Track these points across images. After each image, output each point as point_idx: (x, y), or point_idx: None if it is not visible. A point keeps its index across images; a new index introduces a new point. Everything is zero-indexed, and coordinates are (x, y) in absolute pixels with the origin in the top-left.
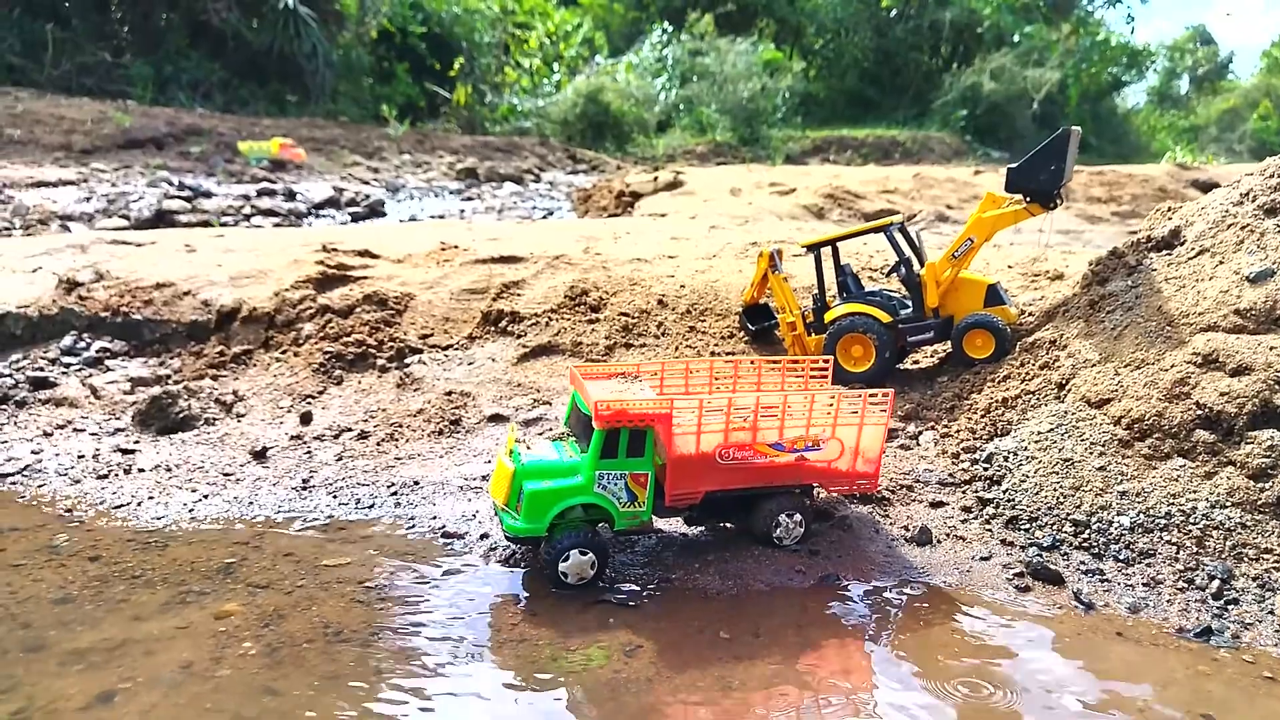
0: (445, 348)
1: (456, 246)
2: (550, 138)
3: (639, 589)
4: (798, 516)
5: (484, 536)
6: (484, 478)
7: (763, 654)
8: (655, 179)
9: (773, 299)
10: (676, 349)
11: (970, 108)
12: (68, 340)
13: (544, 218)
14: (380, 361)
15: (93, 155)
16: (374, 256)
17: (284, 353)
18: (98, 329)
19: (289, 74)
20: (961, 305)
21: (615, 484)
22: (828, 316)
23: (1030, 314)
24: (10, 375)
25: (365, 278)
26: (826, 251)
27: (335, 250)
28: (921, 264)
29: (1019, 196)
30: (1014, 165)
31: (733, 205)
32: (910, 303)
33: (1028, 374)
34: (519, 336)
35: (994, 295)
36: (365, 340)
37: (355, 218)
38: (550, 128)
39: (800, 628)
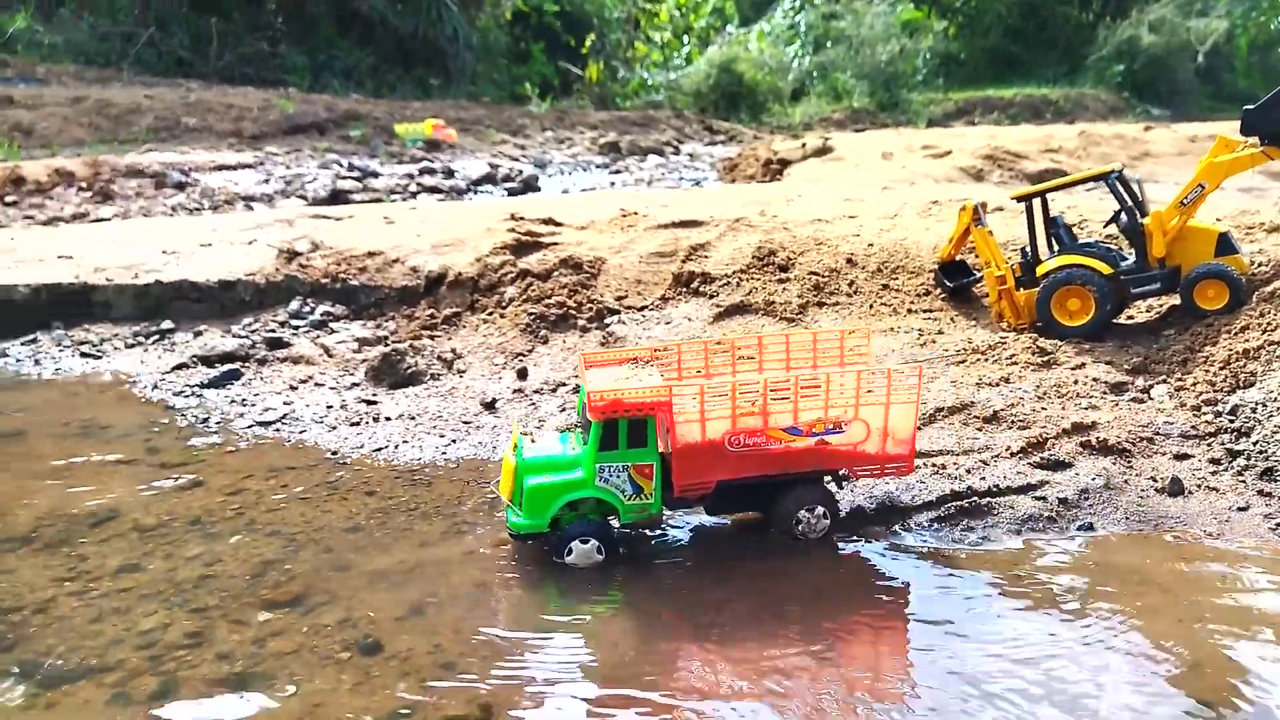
0: (640, 308)
1: (636, 213)
2: (684, 110)
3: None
4: (819, 510)
5: None
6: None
7: (1047, 604)
8: (804, 145)
9: (976, 255)
10: (870, 307)
11: (1127, 62)
12: (294, 305)
13: (693, 186)
14: (581, 322)
15: (262, 140)
16: (558, 224)
17: (490, 315)
18: (319, 294)
19: (432, 58)
20: (1190, 255)
21: (618, 477)
22: (1040, 270)
23: (1262, 265)
24: (248, 337)
25: (556, 244)
26: (1037, 205)
27: (523, 219)
28: (1143, 214)
29: (1254, 140)
30: (1250, 106)
31: (886, 170)
32: (1133, 253)
33: (1270, 324)
34: (711, 297)
35: (1225, 244)
36: (565, 302)
37: (511, 193)
38: (683, 100)
39: (1060, 574)
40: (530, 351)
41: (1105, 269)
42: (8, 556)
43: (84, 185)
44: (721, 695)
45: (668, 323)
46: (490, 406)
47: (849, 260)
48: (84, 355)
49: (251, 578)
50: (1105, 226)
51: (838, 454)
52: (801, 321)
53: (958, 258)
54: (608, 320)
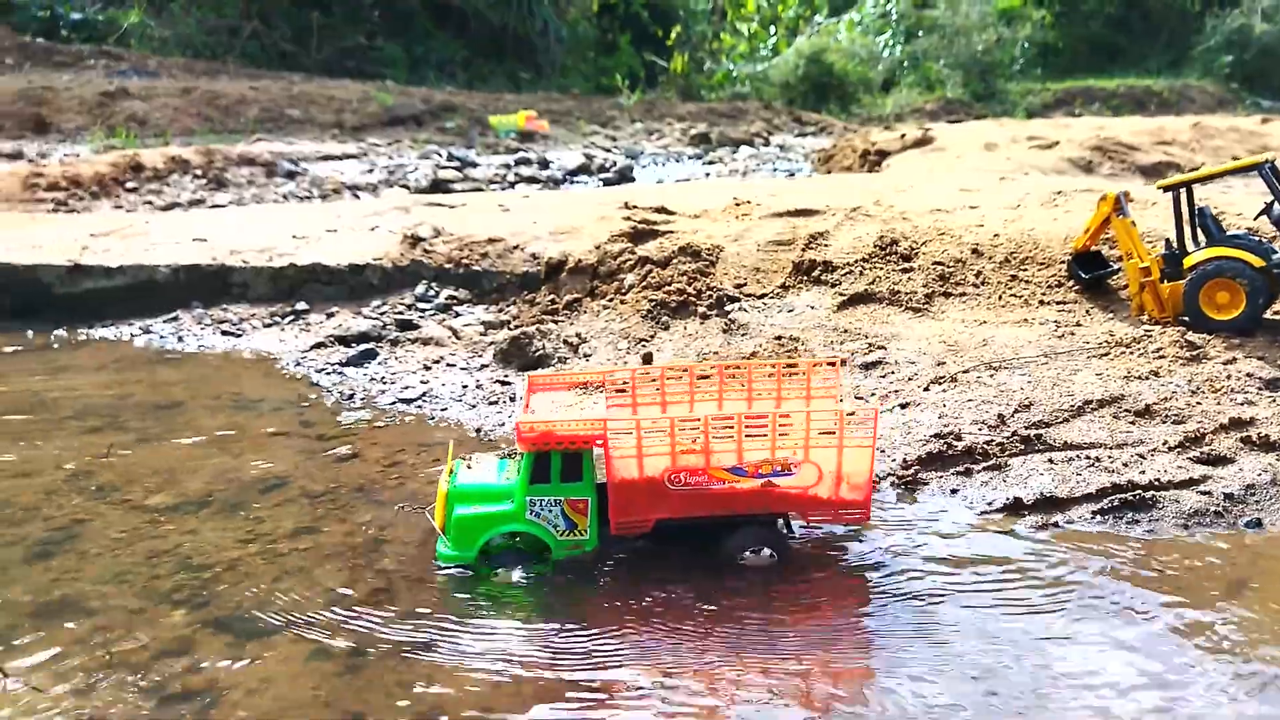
0: (760, 296)
1: (748, 201)
2: (772, 102)
3: None
4: (765, 552)
5: None
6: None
7: (1232, 595)
8: (902, 136)
9: (1113, 246)
10: (999, 298)
11: (1237, 53)
12: (420, 289)
13: (788, 177)
14: (701, 309)
15: (362, 131)
16: (671, 213)
17: (610, 301)
18: (443, 279)
19: (522, 51)
20: None
21: (550, 510)
22: (1188, 262)
23: None
24: (379, 319)
25: (671, 232)
26: (1183, 196)
27: (636, 208)
28: None
29: None
30: None
31: (989, 161)
32: None
33: None
34: (834, 285)
35: None
36: (685, 289)
37: (606, 183)
38: (770, 92)
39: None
40: (652, 337)
41: (1257, 261)
42: (189, 519)
43: (199, 173)
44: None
45: (790, 310)
46: (621, 390)
47: (974, 250)
48: (224, 333)
49: (421, 544)
50: (1256, 219)
51: (786, 497)
52: (928, 312)
53: (1092, 249)
54: (728, 307)
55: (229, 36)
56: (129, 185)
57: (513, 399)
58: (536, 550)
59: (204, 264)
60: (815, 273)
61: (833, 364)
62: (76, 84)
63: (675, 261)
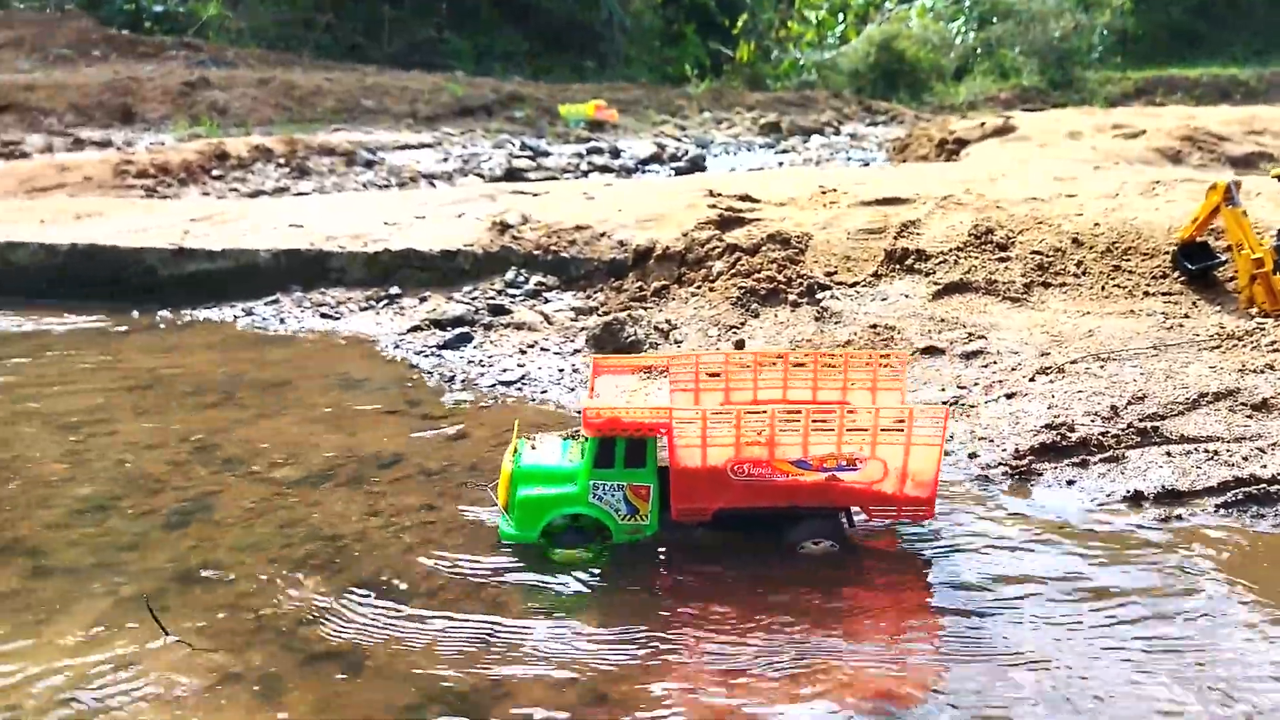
0: (852, 284)
1: (834, 190)
2: (842, 90)
3: None
4: (826, 543)
5: (972, 455)
6: (945, 404)
7: None
8: (982, 124)
9: (1222, 236)
10: (1102, 288)
11: None
12: (509, 274)
13: (863, 166)
14: (791, 297)
15: (435, 121)
16: (755, 201)
17: (699, 288)
18: (531, 265)
19: (586, 41)
20: None
21: (612, 495)
22: None
23: None
24: (470, 303)
25: (758, 219)
26: None
27: (720, 196)
28: None
29: None
30: None
31: (1074, 150)
32: None
33: None
34: (928, 274)
35: None
36: (774, 277)
37: (678, 172)
38: (838, 80)
39: None
40: (742, 325)
41: None
42: (314, 491)
43: (282, 161)
44: None
45: (884, 299)
46: (715, 376)
47: (1074, 240)
48: (323, 316)
49: None
50: None
51: (850, 492)
52: (1028, 302)
53: (1199, 239)
54: (819, 295)
55: (303, 29)
56: (215, 173)
57: None
58: (597, 531)
59: (302, 249)
60: (908, 261)
61: (899, 358)
62: (159, 74)
63: (764, 249)
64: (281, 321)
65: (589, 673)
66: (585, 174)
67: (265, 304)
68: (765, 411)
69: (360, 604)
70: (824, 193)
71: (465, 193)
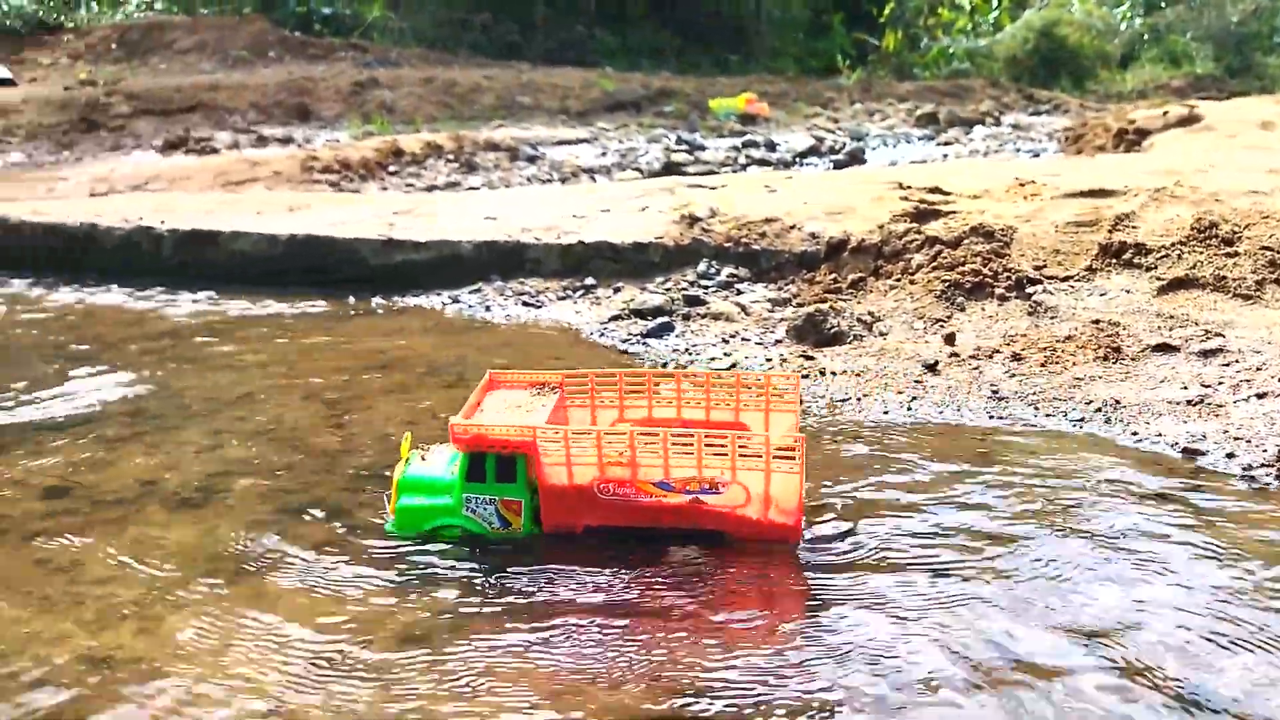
0: (1064, 278)
1: (1033, 182)
2: (998, 78)
3: None
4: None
5: (1230, 455)
6: (1189, 403)
7: None
8: (1164, 114)
9: None
10: None
11: None
12: (701, 266)
13: (1034, 158)
14: (999, 290)
15: (586, 116)
16: (946, 193)
17: (898, 281)
18: (721, 257)
19: (731, 35)
20: None
21: (485, 509)
22: None
23: None
24: (665, 294)
25: (954, 212)
26: None
27: (910, 188)
28: None
29: None
30: None
31: (1267, 140)
32: None
33: None
34: (1148, 269)
35: None
36: (980, 270)
37: (837, 165)
38: (994, 67)
39: None
40: (948, 318)
41: None
42: None
43: (451, 157)
44: None
45: (1102, 294)
46: (932, 369)
47: None
48: (525, 304)
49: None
50: None
51: (715, 515)
52: (1261, 299)
53: None
54: (1030, 289)
55: (460, 29)
56: (391, 169)
57: (822, 373)
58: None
59: (501, 241)
60: (1125, 255)
61: (792, 379)
62: (331, 74)
63: (967, 242)
64: (487, 309)
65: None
66: (743, 168)
67: (469, 292)
68: (625, 433)
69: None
70: (1022, 185)
71: (644, 186)
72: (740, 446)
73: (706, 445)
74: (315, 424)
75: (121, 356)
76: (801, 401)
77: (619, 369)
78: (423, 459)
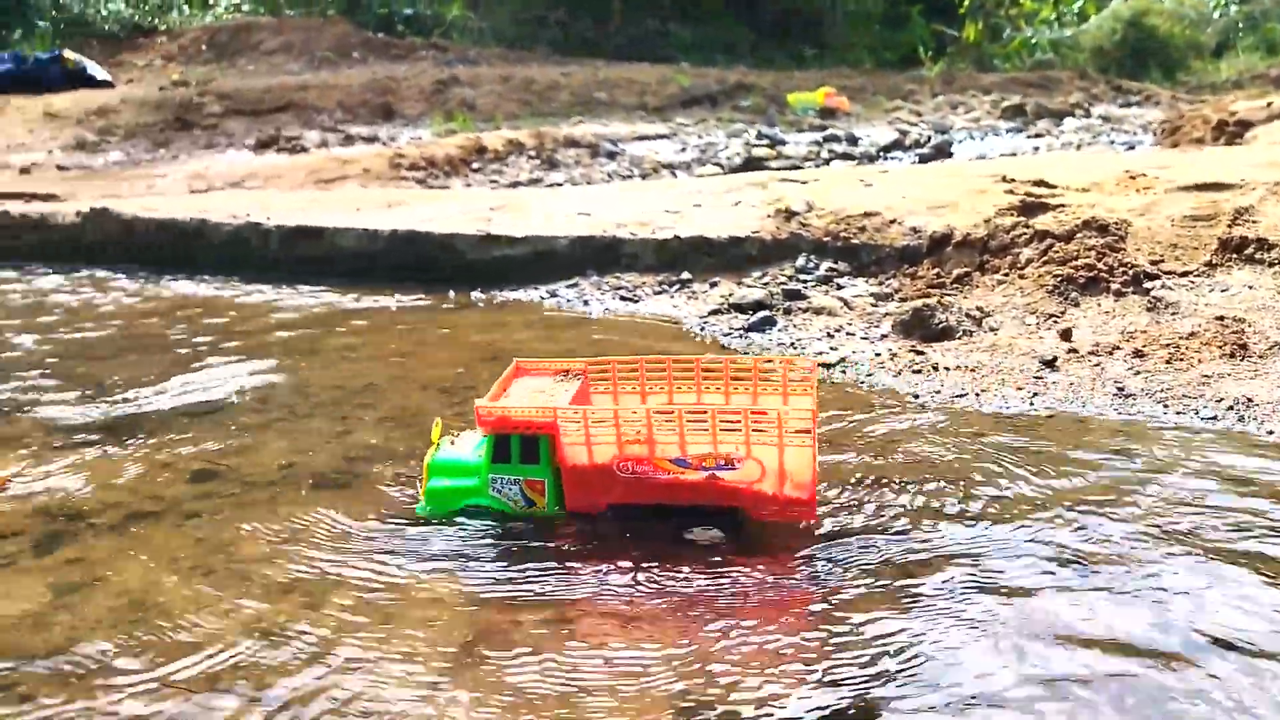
0: (1183, 274)
1: (1144, 174)
2: (1084, 69)
3: None
4: (714, 530)
5: None
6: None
7: None
8: (1268, 105)
9: None
10: None
11: None
12: (800, 261)
13: (1128, 150)
14: (1114, 285)
15: (663, 112)
16: (1051, 186)
17: (1006, 275)
18: (820, 252)
19: (807, 28)
20: None
21: (510, 488)
22: None
23: None
24: (763, 288)
25: (1062, 205)
26: None
27: (1013, 181)
28: None
29: None
30: None
31: None
32: None
33: None
34: (1270, 265)
35: None
36: (1093, 265)
37: (923, 159)
38: (1078, 58)
39: None
40: (1062, 313)
41: None
42: None
43: (532, 154)
44: None
45: (1224, 290)
46: (1050, 364)
47: None
48: (622, 298)
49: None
50: None
51: (732, 491)
52: None
53: None
54: (1147, 285)
55: (537, 27)
56: (474, 166)
57: (935, 368)
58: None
59: (596, 236)
60: (1247, 250)
61: (808, 364)
62: (413, 74)
63: (1079, 236)
64: (585, 303)
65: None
66: (826, 162)
67: (566, 286)
68: (641, 412)
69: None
70: (1132, 178)
71: (735, 181)
72: (754, 423)
73: (721, 422)
74: (436, 412)
75: (245, 347)
76: (819, 383)
77: (640, 357)
78: (452, 443)
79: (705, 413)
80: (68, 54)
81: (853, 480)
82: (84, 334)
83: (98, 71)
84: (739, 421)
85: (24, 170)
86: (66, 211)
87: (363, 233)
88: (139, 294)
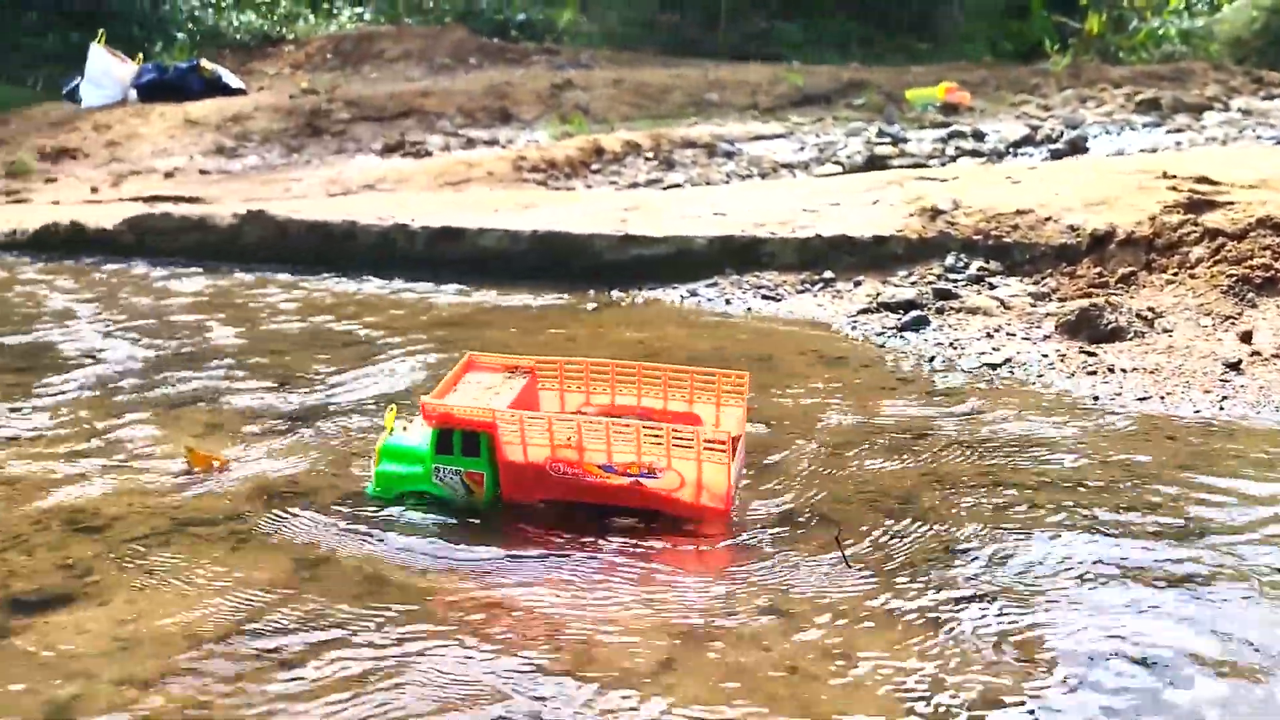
0: None
1: None
2: (1219, 60)
3: None
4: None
5: None
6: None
7: None
8: None
9: None
10: None
11: None
12: (949, 260)
13: (1277, 145)
14: None
15: (776, 111)
16: (1214, 182)
17: (1174, 275)
18: (969, 251)
19: (920, 22)
20: None
21: (451, 478)
22: None
23: None
24: (911, 288)
25: (1231, 202)
26: None
27: (1175, 177)
28: None
29: None
30: None
31: None
32: None
33: None
34: None
35: None
36: (1271, 264)
37: (1055, 155)
38: (1211, 48)
39: None
40: (1239, 315)
41: None
42: (866, 453)
43: (649, 155)
44: None
45: None
46: (1234, 367)
47: None
48: (764, 297)
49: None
50: None
51: (654, 497)
52: None
53: None
54: None
55: (647, 29)
56: (593, 167)
57: (1111, 370)
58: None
59: (735, 235)
60: None
61: (741, 377)
62: (528, 78)
63: (1253, 234)
64: (726, 302)
65: None
66: (953, 159)
67: (705, 285)
68: (573, 420)
69: (964, 558)
70: None
71: (870, 180)
72: (676, 438)
73: (646, 435)
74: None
75: (407, 342)
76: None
77: (585, 359)
78: (405, 429)
79: (630, 426)
80: (204, 63)
81: (1031, 485)
82: (262, 328)
83: (232, 80)
84: (661, 435)
85: (168, 174)
86: (224, 213)
87: (503, 233)
88: (301, 291)
